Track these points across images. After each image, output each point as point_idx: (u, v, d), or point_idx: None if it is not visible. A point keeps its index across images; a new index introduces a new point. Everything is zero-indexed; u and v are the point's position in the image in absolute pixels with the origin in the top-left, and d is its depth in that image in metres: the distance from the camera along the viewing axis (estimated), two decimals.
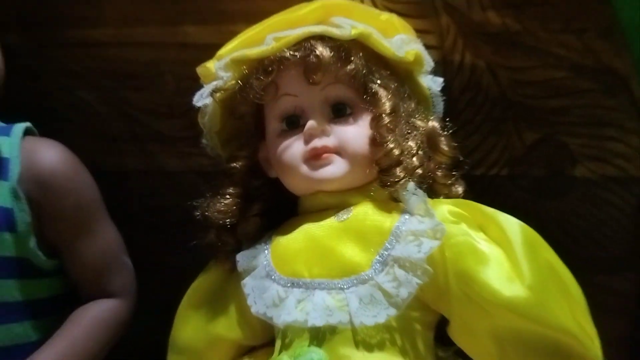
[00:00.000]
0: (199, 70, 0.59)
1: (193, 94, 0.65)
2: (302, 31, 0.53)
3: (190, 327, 0.61)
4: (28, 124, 0.63)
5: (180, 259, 0.73)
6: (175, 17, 0.67)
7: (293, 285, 0.52)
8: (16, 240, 0.60)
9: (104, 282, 0.64)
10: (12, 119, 0.65)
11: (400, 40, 0.56)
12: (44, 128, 0.67)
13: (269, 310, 0.52)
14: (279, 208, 0.60)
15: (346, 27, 0.53)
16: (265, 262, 0.55)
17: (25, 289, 0.61)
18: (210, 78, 0.58)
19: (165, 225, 0.75)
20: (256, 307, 0.53)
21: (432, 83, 0.59)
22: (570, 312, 0.48)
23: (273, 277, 0.54)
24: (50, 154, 0.61)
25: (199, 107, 0.62)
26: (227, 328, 0.59)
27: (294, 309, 0.50)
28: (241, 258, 0.57)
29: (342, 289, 0.50)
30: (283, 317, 0.51)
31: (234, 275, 0.59)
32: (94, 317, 0.63)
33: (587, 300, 0.65)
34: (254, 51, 0.54)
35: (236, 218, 0.58)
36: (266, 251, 0.56)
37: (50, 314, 0.63)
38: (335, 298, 0.50)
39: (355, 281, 0.50)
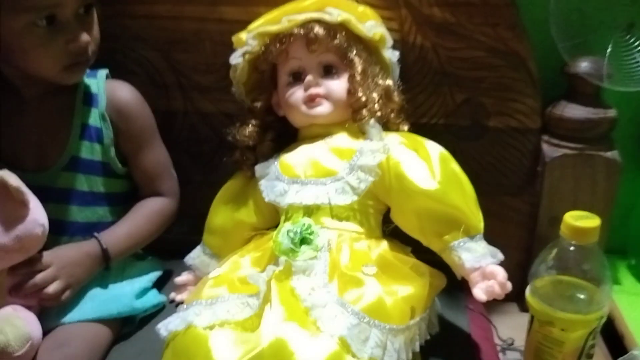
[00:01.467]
0: (234, 38, 0.86)
1: (226, 56, 0.92)
2: (305, 16, 0.81)
3: (220, 215, 0.89)
4: (106, 69, 0.88)
5: (211, 177, 1.01)
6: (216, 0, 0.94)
7: (293, 182, 0.80)
8: (102, 150, 0.85)
9: (157, 185, 0.89)
10: (95, 68, 0.92)
11: (370, 25, 0.83)
12: (116, 77, 0.92)
13: (277, 198, 0.80)
14: (285, 136, 0.88)
15: (334, 15, 0.80)
16: (274, 170, 0.83)
17: (107, 185, 0.86)
18: (241, 44, 0.85)
19: (199, 152, 1.02)
20: (268, 196, 0.82)
21: (392, 55, 0.87)
22: (464, 200, 0.76)
23: (280, 178, 0.82)
24: (125, 91, 0.87)
25: (230, 65, 0.89)
26: (246, 215, 0.87)
27: (294, 196, 0.79)
28: (258, 168, 0.85)
29: (324, 184, 0.78)
30: (286, 200, 0.79)
31: (252, 181, 0.87)
32: (149, 207, 0.88)
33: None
34: (274, 27, 0.81)
35: (256, 141, 0.86)
36: (276, 162, 0.84)
37: (121, 204, 0.89)
38: (320, 189, 0.78)
39: (333, 179, 0.78)
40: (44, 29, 0.76)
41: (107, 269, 0.84)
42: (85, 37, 0.78)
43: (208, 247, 0.90)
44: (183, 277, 0.91)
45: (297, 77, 0.83)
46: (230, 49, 0.93)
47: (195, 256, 0.90)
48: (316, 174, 0.79)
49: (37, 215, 0.75)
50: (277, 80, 0.86)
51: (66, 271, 0.78)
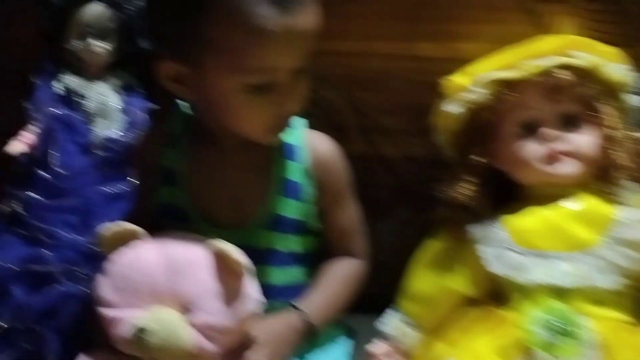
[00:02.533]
0: (447, 83, 0.76)
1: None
2: (549, 61, 0.69)
3: (424, 280, 0.79)
4: (304, 120, 0.79)
5: (385, 224, 0.92)
6: (411, 35, 0.84)
7: (531, 254, 0.69)
8: (302, 207, 0.77)
9: (350, 244, 0.81)
10: None
11: (617, 67, 0.71)
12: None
13: (510, 271, 0.70)
14: (503, 193, 0.78)
15: (584, 59, 0.69)
16: (500, 235, 0.72)
17: (302, 243, 0.79)
18: (458, 90, 0.75)
19: (376, 198, 0.93)
20: (495, 268, 0.71)
21: (632, 99, 0.75)
22: None
23: (511, 247, 0.71)
24: (328, 145, 0.79)
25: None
26: (457, 282, 0.76)
27: (536, 272, 0.68)
28: (476, 230, 0.75)
29: (578, 260, 0.67)
30: (527, 276, 0.68)
31: (464, 243, 0.76)
32: (344, 271, 0.80)
33: None
34: (510, 74, 0.71)
35: (471, 199, 0.75)
36: (500, 226, 0.73)
37: (313, 264, 0.81)
38: (574, 267, 0.67)
39: (587, 254, 0.67)
40: (255, 92, 0.68)
41: (310, 342, 0.76)
42: (294, 101, 0.71)
43: (408, 316, 0.80)
44: (381, 349, 0.81)
45: (530, 129, 0.72)
46: (422, 89, 0.84)
47: (393, 325, 0.81)
48: (563, 245, 0.68)
49: (253, 289, 0.67)
50: (498, 130, 0.75)
51: (278, 351, 0.70)
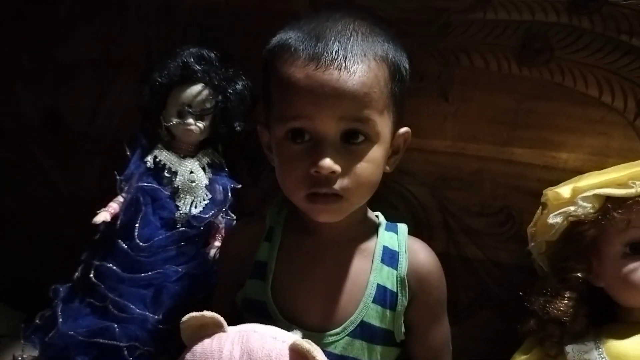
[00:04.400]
0: (549, 193, 0.75)
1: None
2: None
3: None
4: (405, 225, 0.78)
5: (463, 329, 0.88)
6: (507, 140, 0.82)
7: None
8: (392, 317, 0.73)
9: None
10: None
11: None
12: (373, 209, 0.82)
13: None
14: (599, 311, 0.74)
15: None
16: (601, 359, 0.68)
17: (384, 354, 0.74)
18: (559, 201, 0.73)
19: (455, 301, 0.87)
20: None
21: None
22: None
23: None
24: (428, 256, 0.75)
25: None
26: None
27: None
28: (572, 350, 0.71)
29: None
30: None
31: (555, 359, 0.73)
32: None
33: None
34: (622, 192, 0.69)
35: (570, 317, 0.72)
36: (600, 350, 0.69)
37: None
38: None
39: None
40: (293, 143, 0.68)
41: None
42: (328, 163, 0.66)
43: None
44: None
45: (638, 249, 0.69)
46: (514, 193, 0.82)
47: None
48: None
49: None
50: (600, 245, 0.72)
51: None
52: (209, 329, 0.66)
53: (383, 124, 0.69)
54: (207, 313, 0.65)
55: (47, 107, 1.06)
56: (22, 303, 1.06)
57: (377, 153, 0.69)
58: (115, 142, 0.97)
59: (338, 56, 0.65)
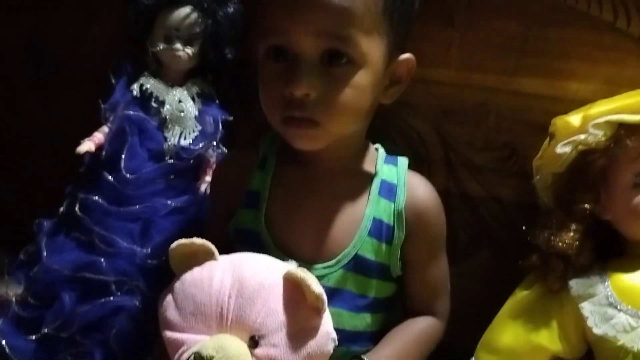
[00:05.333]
0: (557, 122, 0.71)
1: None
2: None
3: (509, 333, 0.72)
4: (406, 159, 0.74)
5: (462, 268, 0.85)
6: (514, 69, 0.78)
7: None
8: (388, 251, 0.71)
9: (433, 301, 0.75)
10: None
11: None
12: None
13: (619, 334, 0.63)
14: (607, 245, 0.71)
15: None
16: (606, 292, 0.66)
17: (379, 289, 0.72)
18: (569, 130, 0.69)
19: (453, 238, 0.84)
20: (601, 329, 0.64)
21: None
22: None
23: (619, 307, 0.64)
24: (428, 191, 0.73)
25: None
26: (548, 340, 0.70)
27: None
28: (576, 284, 0.68)
29: None
30: (636, 342, 0.61)
31: (556, 296, 0.70)
32: (422, 332, 0.73)
33: None
34: (636, 118, 0.65)
35: (575, 250, 0.69)
36: (606, 283, 0.67)
37: (385, 310, 0.74)
38: None
39: None
40: (273, 62, 0.65)
41: None
42: (302, 86, 0.62)
43: None
44: None
45: None
46: (520, 127, 0.79)
47: None
48: None
49: (329, 326, 0.61)
50: (610, 176, 0.69)
51: None
52: (199, 258, 0.62)
53: (371, 46, 0.64)
54: (197, 240, 0.62)
55: (28, 36, 1.00)
56: (6, 242, 1.02)
57: (362, 78, 0.64)
58: (101, 72, 0.91)
59: None
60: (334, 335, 0.61)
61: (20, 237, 0.89)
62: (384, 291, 0.73)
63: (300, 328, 0.59)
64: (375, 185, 0.71)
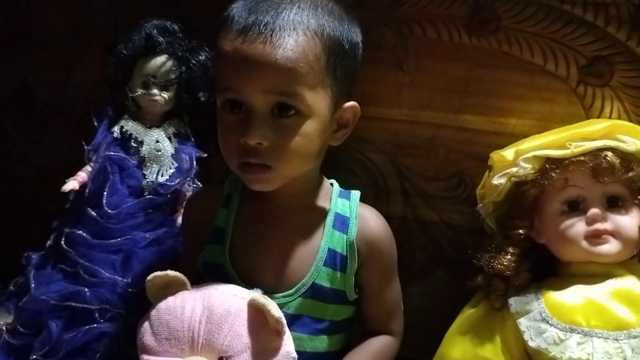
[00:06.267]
0: (494, 156, 0.79)
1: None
2: (597, 144, 0.72)
3: (458, 348, 0.79)
4: (358, 192, 0.80)
5: (422, 289, 0.92)
6: (459, 107, 0.86)
7: (572, 331, 0.70)
8: (342, 278, 0.77)
9: (388, 322, 0.81)
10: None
11: None
12: (336, 178, 0.85)
13: (550, 347, 0.70)
14: (541, 266, 0.78)
15: (630, 144, 0.72)
16: (540, 309, 0.73)
17: (336, 312, 0.78)
18: (504, 164, 0.77)
19: (411, 260, 0.92)
20: (535, 342, 0.71)
21: None
22: None
23: (550, 322, 0.71)
24: (378, 223, 0.78)
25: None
26: (493, 353, 0.77)
27: (576, 349, 0.68)
28: (514, 302, 0.75)
29: (616, 339, 0.68)
30: (567, 354, 0.68)
31: (499, 313, 0.77)
32: (379, 349, 0.79)
33: None
34: (557, 152, 0.73)
35: (513, 271, 0.76)
36: (540, 301, 0.74)
37: (344, 331, 0.80)
38: (612, 346, 0.67)
39: (627, 335, 0.68)
40: (229, 114, 0.71)
41: None
42: (255, 136, 0.68)
43: None
44: None
45: (574, 207, 0.74)
46: (466, 159, 0.87)
47: None
48: (604, 325, 0.69)
49: (289, 347, 0.68)
50: (541, 204, 0.77)
51: None
52: (173, 288, 0.70)
53: (315, 98, 0.70)
54: (171, 272, 0.69)
55: (17, 80, 1.07)
56: None
57: (309, 127, 0.70)
58: (85, 114, 0.98)
59: (266, 29, 0.67)
60: (294, 355, 0.68)
61: (9, 269, 0.95)
62: (340, 314, 0.79)
63: (263, 349, 0.66)
64: (330, 218, 0.77)
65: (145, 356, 0.67)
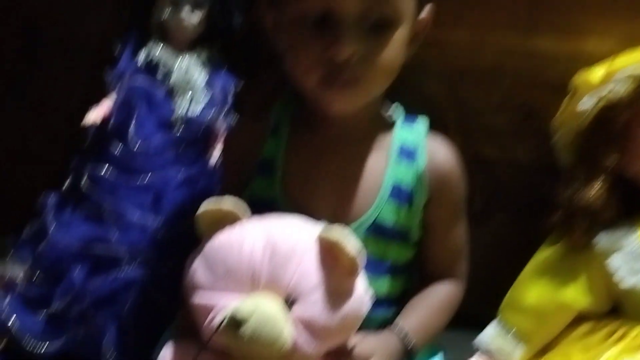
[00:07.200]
0: (580, 79, 0.70)
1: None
2: None
3: (535, 291, 0.72)
4: (426, 119, 0.72)
5: (481, 235, 0.85)
6: (528, 26, 0.77)
7: None
8: (407, 215, 0.69)
9: (453, 265, 0.74)
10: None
11: None
12: None
13: None
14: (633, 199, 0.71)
15: None
16: (635, 244, 0.66)
17: (399, 254, 0.71)
18: (590, 86, 0.69)
19: (471, 205, 0.84)
20: (629, 281, 0.65)
21: None
22: None
23: None
24: (449, 154, 0.70)
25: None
26: (574, 297, 0.70)
27: None
28: (603, 238, 0.68)
29: None
30: None
31: (582, 253, 0.70)
32: (445, 297, 0.72)
33: None
34: None
35: (601, 205, 0.69)
36: (635, 235, 0.67)
37: (404, 275, 0.73)
38: None
39: None
40: (311, 26, 0.62)
41: None
42: (349, 48, 0.61)
43: (513, 330, 0.73)
44: None
45: None
46: (536, 88, 0.78)
47: (493, 337, 0.74)
48: None
49: (364, 288, 0.60)
50: (631, 130, 0.69)
51: None
52: (228, 220, 0.61)
53: (408, 3, 0.63)
54: (226, 200, 0.60)
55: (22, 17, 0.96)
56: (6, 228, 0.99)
57: (400, 36, 0.64)
58: (103, 45, 0.89)
59: None
60: (368, 297, 0.60)
61: (22, 219, 0.86)
62: (402, 256, 0.72)
63: (335, 290, 0.58)
64: (395, 148, 0.70)
65: (197, 297, 0.59)
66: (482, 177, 0.84)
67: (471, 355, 0.75)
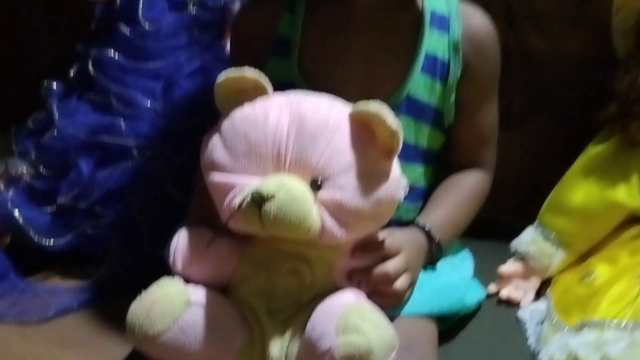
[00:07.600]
0: None
1: None
2: None
3: (581, 191, 0.67)
4: None
5: (515, 135, 0.77)
6: None
7: None
8: (442, 91, 0.64)
9: (482, 151, 0.68)
10: None
11: None
12: None
13: None
14: None
15: None
16: None
17: (431, 138, 0.65)
18: None
19: (509, 105, 0.76)
20: None
21: None
22: None
23: None
24: (485, 21, 0.65)
25: None
26: (627, 195, 0.64)
27: None
28: None
29: None
30: None
31: (636, 148, 0.64)
32: (473, 187, 0.67)
33: None
34: None
35: None
36: None
37: (434, 164, 0.67)
38: None
39: None
40: None
41: (432, 262, 0.63)
42: None
43: (554, 232, 0.67)
44: (510, 267, 0.69)
45: None
46: None
47: (531, 241, 0.68)
48: None
49: (398, 173, 0.54)
50: None
51: (412, 262, 0.57)
52: (249, 93, 0.54)
53: None
54: (248, 71, 0.53)
55: None
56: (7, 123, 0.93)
57: None
58: None
59: None
60: (405, 181, 0.54)
61: (25, 108, 0.81)
62: (435, 141, 0.66)
63: (369, 170, 0.52)
64: (426, 16, 0.63)
65: (216, 175, 0.53)
66: (525, 72, 0.77)
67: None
